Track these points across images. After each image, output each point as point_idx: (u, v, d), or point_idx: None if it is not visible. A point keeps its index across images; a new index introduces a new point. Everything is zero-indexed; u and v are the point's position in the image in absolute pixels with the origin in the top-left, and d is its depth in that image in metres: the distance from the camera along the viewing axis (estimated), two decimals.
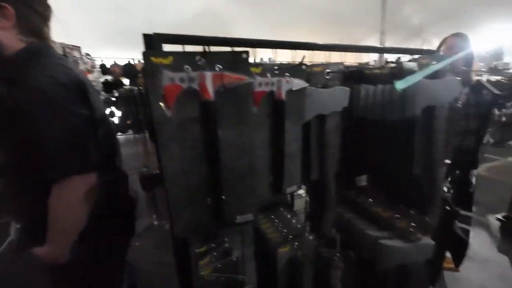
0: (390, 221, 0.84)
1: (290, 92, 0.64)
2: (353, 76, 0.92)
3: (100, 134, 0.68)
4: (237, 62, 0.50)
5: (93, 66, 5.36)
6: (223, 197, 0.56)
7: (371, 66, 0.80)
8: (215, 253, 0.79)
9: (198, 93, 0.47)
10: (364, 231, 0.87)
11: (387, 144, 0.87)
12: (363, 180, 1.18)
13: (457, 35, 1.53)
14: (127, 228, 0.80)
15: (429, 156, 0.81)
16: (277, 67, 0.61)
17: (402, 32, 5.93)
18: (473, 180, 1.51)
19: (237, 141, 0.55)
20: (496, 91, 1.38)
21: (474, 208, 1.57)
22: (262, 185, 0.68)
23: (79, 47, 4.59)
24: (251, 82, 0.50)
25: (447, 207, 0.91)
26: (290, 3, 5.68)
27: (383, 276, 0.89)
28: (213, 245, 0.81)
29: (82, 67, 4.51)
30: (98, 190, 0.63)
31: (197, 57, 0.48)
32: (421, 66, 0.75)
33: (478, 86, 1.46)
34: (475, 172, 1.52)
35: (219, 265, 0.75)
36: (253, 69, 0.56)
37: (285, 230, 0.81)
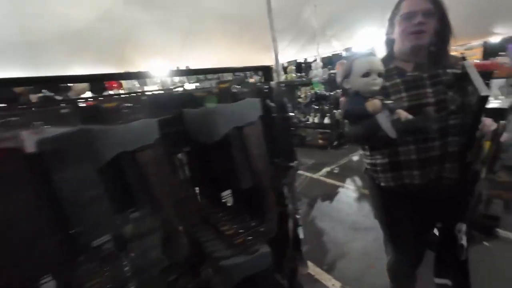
0: (231, 239, 0.87)
1: (47, 141, 0.56)
2: (184, 101, 0.92)
3: None
4: None
5: None
6: None
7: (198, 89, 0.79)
8: None
9: None
10: (212, 254, 0.87)
11: (218, 162, 0.89)
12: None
13: None
14: None
15: (251, 169, 0.86)
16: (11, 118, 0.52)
17: (304, 36, 6.62)
18: (463, 240, 0.90)
19: None
20: (484, 91, 0.74)
21: None
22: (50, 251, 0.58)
23: None
24: None
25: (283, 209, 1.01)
26: (197, 8, 5.59)
27: None
28: None
29: None
30: None
31: None
32: (220, 89, 0.78)
33: (463, 77, 0.81)
34: (463, 227, 0.89)
35: None
36: None
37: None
